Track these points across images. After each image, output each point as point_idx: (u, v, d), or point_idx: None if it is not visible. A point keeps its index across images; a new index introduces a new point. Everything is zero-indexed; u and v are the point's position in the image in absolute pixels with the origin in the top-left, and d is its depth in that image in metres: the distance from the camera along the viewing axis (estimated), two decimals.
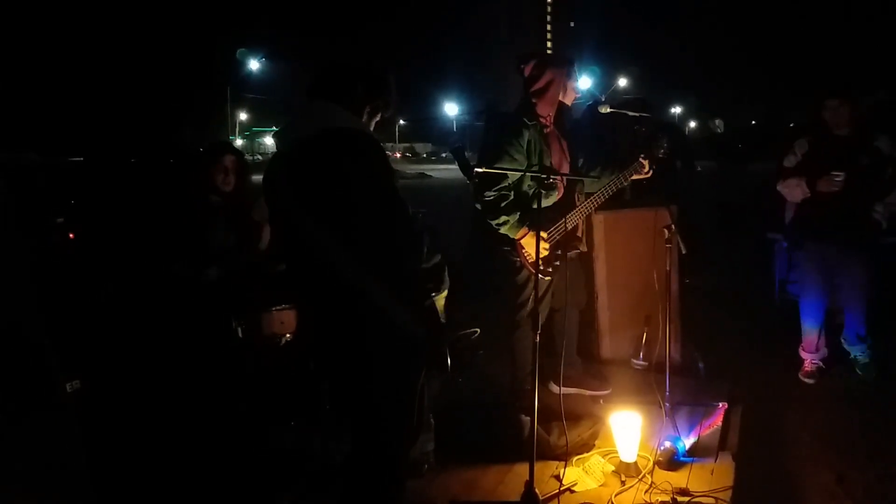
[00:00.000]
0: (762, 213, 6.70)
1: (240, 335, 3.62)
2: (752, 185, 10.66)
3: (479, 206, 3.71)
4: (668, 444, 3.36)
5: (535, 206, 3.21)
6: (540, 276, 3.68)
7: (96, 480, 1.92)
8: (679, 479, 3.19)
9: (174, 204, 3.97)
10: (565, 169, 3.89)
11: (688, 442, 3.45)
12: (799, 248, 4.67)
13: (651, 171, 3.88)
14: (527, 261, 3.71)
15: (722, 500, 3.04)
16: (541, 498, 2.94)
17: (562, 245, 3.78)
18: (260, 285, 3.70)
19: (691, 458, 3.36)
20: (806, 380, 4.52)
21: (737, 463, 3.36)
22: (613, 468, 3.32)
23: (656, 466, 3.28)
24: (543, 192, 3.59)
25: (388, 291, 2.24)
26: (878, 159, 4.17)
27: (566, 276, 3.74)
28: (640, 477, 3.22)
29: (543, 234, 3.68)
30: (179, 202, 3.91)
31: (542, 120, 3.80)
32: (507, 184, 3.66)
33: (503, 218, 3.66)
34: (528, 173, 3.59)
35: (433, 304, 2.48)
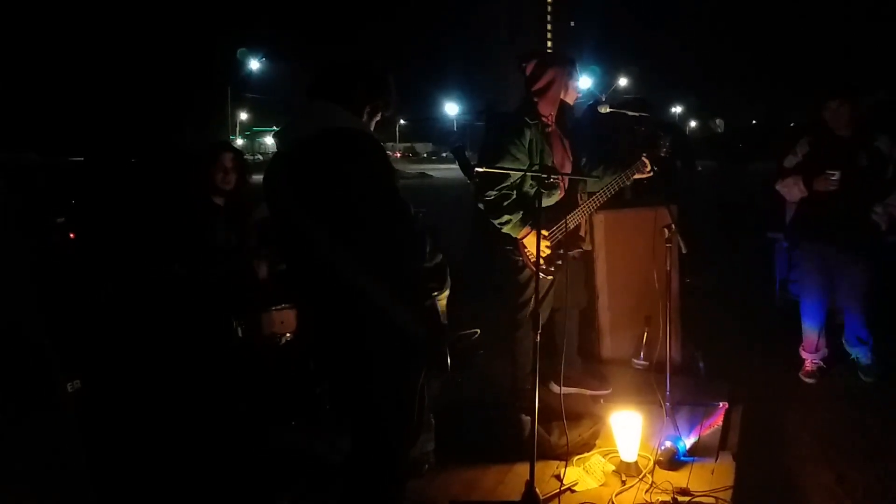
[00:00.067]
0: (762, 212, 6.71)
1: (240, 335, 3.62)
2: (753, 184, 10.66)
3: (481, 205, 3.71)
4: (668, 443, 3.36)
5: (536, 205, 3.21)
6: (542, 275, 3.69)
7: (96, 480, 1.92)
8: (679, 478, 3.19)
9: (174, 204, 3.97)
10: (567, 168, 3.89)
11: (688, 442, 3.45)
12: (799, 247, 4.67)
13: (652, 171, 3.88)
14: (529, 260, 3.71)
15: (722, 499, 3.04)
16: (541, 498, 2.94)
17: (564, 244, 3.78)
18: (260, 285, 3.71)
19: (692, 458, 3.36)
20: (806, 379, 4.52)
21: (737, 463, 3.36)
22: (614, 468, 3.32)
23: (657, 466, 3.28)
24: (545, 191, 3.59)
25: (388, 291, 2.24)
26: (877, 160, 4.16)
27: (566, 275, 3.74)
28: (640, 477, 3.22)
29: (545, 233, 3.69)
30: (180, 202, 3.91)
31: (543, 119, 3.80)
32: (508, 183, 3.66)
33: (506, 217, 3.66)
34: (528, 173, 3.59)
35: (434, 303, 2.48)
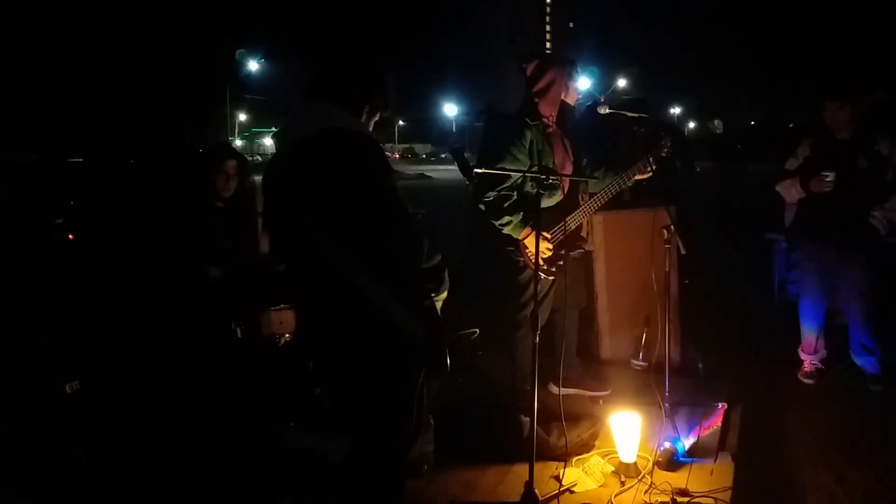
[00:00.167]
0: (761, 213, 6.71)
1: (239, 335, 3.62)
2: (752, 185, 10.67)
3: (481, 206, 3.71)
4: (667, 444, 3.36)
5: (536, 206, 3.21)
6: (543, 275, 3.69)
7: (96, 480, 1.92)
8: (678, 479, 3.20)
9: (174, 204, 3.97)
10: (568, 169, 3.89)
11: (687, 442, 3.45)
12: (798, 248, 4.66)
13: (651, 171, 3.88)
14: (530, 261, 3.71)
15: (721, 500, 3.05)
16: (540, 498, 2.94)
17: (565, 244, 3.78)
18: (259, 285, 3.70)
19: (691, 459, 3.37)
20: (805, 380, 4.52)
21: (736, 463, 3.36)
22: (613, 469, 3.33)
23: (656, 467, 3.29)
24: (545, 192, 3.59)
25: (387, 291, 2.24)
26: (877, 162, 4.14)
27: (567, 276, 3.75)
28: (639, 477, 3.22)
29: (547, 234, 3.69)
30: (179, 202, 3.91)
31: (544, 120, 3.80)
32: (508, 184, 3.66)
33: (506, 218, 3.66)
34: (528, 174, 3.59)
35: (432, 304, 2.48)
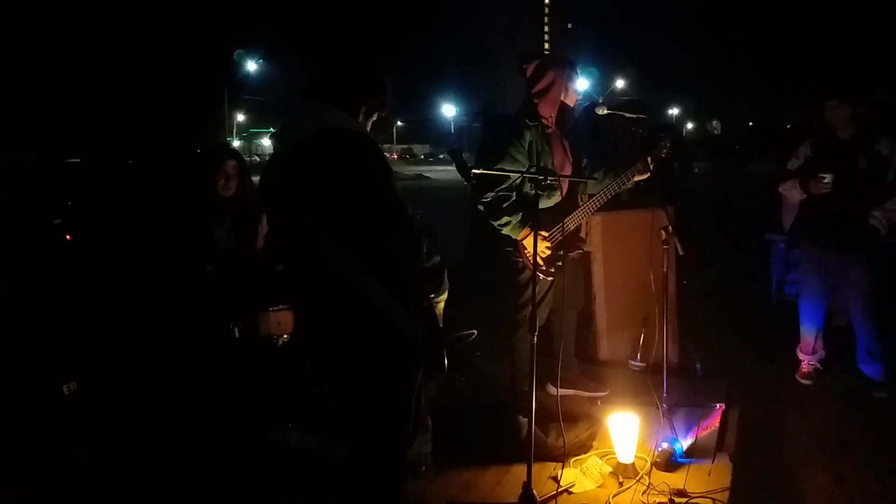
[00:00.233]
0: (760, 214, 6.72)
1: (237, 336, 3.62)
2: (750, 186, 10.69)
3: (480, 207, 3.71)
4: (665, 445, 3.36)
5: (534, 207, 3.22)
6: (542, 276, 3.69)
7: (96, 481, 1.92)
8: (676, 480, 3.20)
9: (173, 204, 3.97)
10: (567, 170, 3.89)
11: (685, 443, 3.46)
12: (799, 249, 4.66)
13: (651, 173, 3.88)
14: (529, 261, 3.71)
15: (719, 500, 3.05)
16: (538, 499, 2.94)
17: (564, 245, 3.78)
18: (257, 286, 3.70)
19: (689, 459, 3.37)
20: (803, 381, 4.52)
21: (734, 464, 3.37)
22: (611, 469, 3.33)
23: (654, 467, 3.29)
24: (543, 193, 3.59)
25: (387, 291, 2.24)
26: (877, 162, 4.14)
27: (565, 277, 3.75)
28: (637, 478, 3.22)
29: (545, 235, 3.69)
30: (178, 202, 3.90)
31: (543, 121, 3.80)
32: (507, 185, 3.66)
33: (505, 219, 3.66)
34: (525, 175, 3.59)
35: (431, 304, 2.48)
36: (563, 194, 3.81)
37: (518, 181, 3.67)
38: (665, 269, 3.80)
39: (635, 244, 4.13)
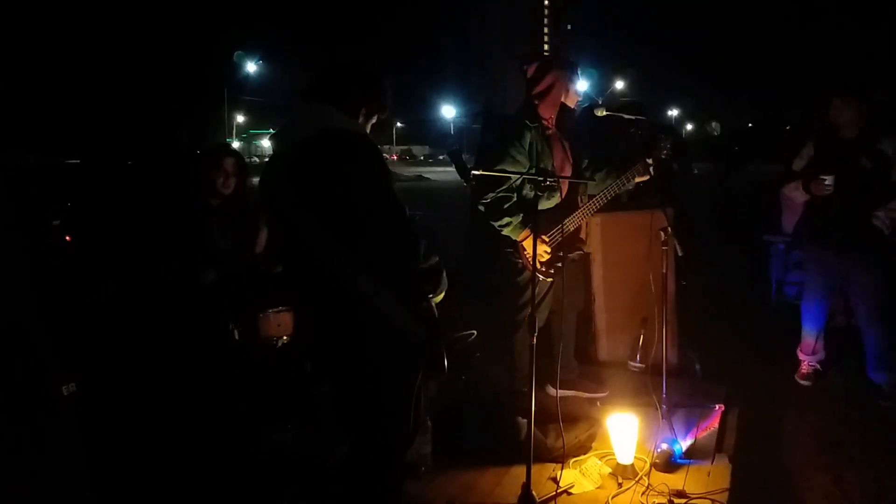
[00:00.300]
0: (759, 214, 6.72)
1: (236, 337, 3.62)
2: (749, 187, 10.69)
3: (480, 207, 3.71)
4: (664, 446, 3.36)
5: (534, 208, 3.22)
6: (542, 277, 3.69)
7: (95, 481, 1.92)
8: (676, 480, 3.20)
9: (172, 205, 3.97)
10: (567, 171, 3.89)
11: (684, 444, 3.46)
12: (803, 250, 4.65)
13: (650, 174, 3.88)
14: (529, 262, 3.71)
15: (718, 501, 3.05)
16: (538, 500, 2.94)
17: (563, 246, 3.78)
18: (257, 287, 3.70)
19: (688, 460, 3.37)
20: (802, 381, 4.52)
21: (733, 465, 3.37)
22: (610, 470, 3.33)
23: (653, 468, 3.29)
24: (543, 194, 3.59)
25: (387, 292, 2.24)
26: (880, 162, 4.11)
27: (564, 278, 3.75)
28: (636, 479, 3.22)
29: (545, 237, 3.69)
30: (177, 203, 3.91)
31: (544, 122, 3.80)
32: (507, 186, 3.66)
33: (506, 220, 3.66)
34: (524, 176, 3.59)
35: (430, 304, 2.48)
36: (563, 195, 3.82)
37: (518, 182, 3.67)
38: (664, 270, 3.80)
39: (635, 245, 4.13)
